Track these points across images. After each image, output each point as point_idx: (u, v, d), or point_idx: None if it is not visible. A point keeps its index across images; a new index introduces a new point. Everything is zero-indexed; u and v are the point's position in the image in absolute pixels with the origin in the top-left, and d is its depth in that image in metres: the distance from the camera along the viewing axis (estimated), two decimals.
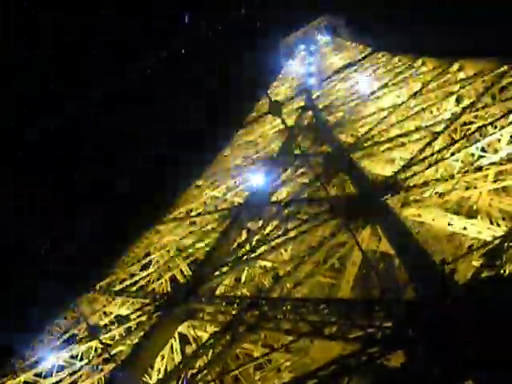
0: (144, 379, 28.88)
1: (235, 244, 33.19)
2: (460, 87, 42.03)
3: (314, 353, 22.67)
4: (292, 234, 33.69)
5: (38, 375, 33.62)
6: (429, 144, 32.08)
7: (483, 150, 30.98)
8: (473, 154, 30.62)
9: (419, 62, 53.94)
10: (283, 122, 31.37)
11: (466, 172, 27.52)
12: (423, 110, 42.55)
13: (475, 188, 28.46)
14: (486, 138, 30.86)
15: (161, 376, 29.74)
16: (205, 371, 24.32)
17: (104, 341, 33.49)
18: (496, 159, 28.54)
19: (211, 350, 25.35)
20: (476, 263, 31.28)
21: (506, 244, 20.12)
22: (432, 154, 30.86)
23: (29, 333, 39.40)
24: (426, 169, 29.34)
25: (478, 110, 34.01)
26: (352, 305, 20.27)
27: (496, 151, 29.97)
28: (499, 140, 31.38)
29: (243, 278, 36.21)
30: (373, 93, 52.14)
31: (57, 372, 32.99)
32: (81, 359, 34.09)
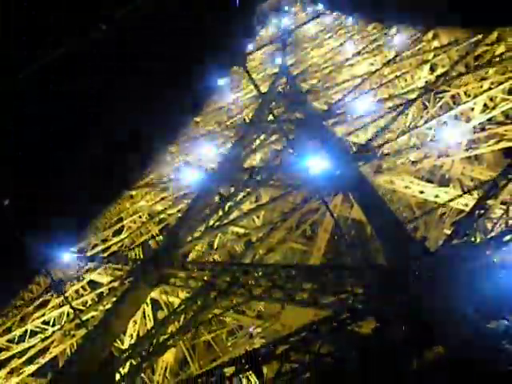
0: (116, 344, 28.80)
1: (207, 210, 33.01)
2: (434, 55, 41.98)
3: (286, 319, 22.75)
4: (264, 200, 33.72)
5: (11, 341, 33.47)
6: (402, 112, 32.06)
7: (456, 118, 30.98)
8: (445, 123, 30.58)
9: (393, 29, 53.72)
10: (256, 87, 31.07)
11: (439, 140, 27.58)
12: (397, 77, 42.57)
13: (447, 156, 28.55)
14: (459, 107, 30.91)
15: (133, 341, 29.73)
16: (176, 336, 24.30)
17: (76, 306, 33.38)
18: (469, 128, 28.60)
19: (183, 316, 25.28)
20: (447, 231, 31.58)
21: (476, 212, 20.18)
22: (405, 122, 30.91)
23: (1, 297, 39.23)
24: (399, 137, 29.36)
25: (451, 78, 33.95)
26: (323, 271, 20.25)
27: (468, 120, 29.96)
28: (472, 109, 31.42)
29: (215, 244, 36.15)
30: (347, 60, 51.97)
31: (29, 338, 32.83)
32: (53, 325, 33.94)
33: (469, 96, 32.21)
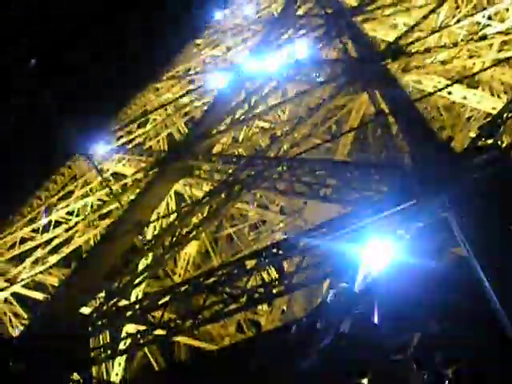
0: (139, 237, 29.16)
1: (233, 103, 32.89)
2: None
3: (308, 214, 22.91)
4: (290, 94, 33.47)
5: (35, 230, 33.95)
6: (433, 11, 31.41)
7: (489, 18, 30.32)
8: (478, 23, 29.99)
9: None
10: None
11: (471, 40, 27.09)
12: None
13: (478, 57, 28.09)
14: (494, 7, 30.23)
15: (156, 232, 30.01)
16: (200, 228, 24.57)
17: (100, 197, 33.70)
18: (502, 29, 28.03)
19: (206, 208, 25.51)
20: (473, 133, 31.34)
21: (504, 115, 19.97)
22: (436, 21, 30.35)
23: (22, 191, 39.67)
24: (430, 35, 28.88)
25: None
26: (348, 168, 20.26)
27: (502, 21, 29.34)
28: (507, 9, 30.71)
29: (240, 138, 36.12)
30: None
31: (53, 228, 33.22)
32: (77, 215, 34.32)
33: None
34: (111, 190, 31.88)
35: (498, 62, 29.62)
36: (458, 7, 34.51)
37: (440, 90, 26.69)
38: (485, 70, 30.52)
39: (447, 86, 26.60)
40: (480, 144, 18.31)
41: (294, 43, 38.43)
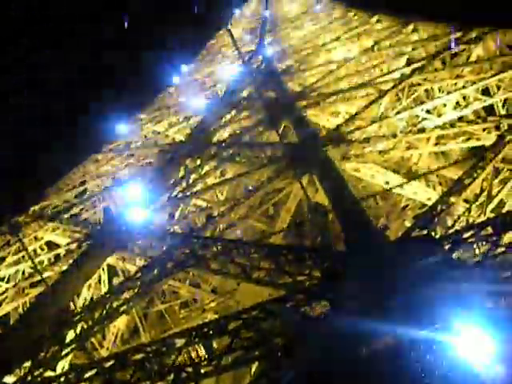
0: (68, 307, 28.64)
1: (171, 180, 32.90)
2: (412, 48, 42.13)
3: (240, 296, 22.79)
4: (229, 175, 33.65)
5: None
6: (375, 101, 32.13)
7: (428, 112, 31.07)
8: (417, 116, 30.68)
9: (375, 18, 53.75)
10: (233, 62, 30.93)
11: (409, 132, 27.67)
12: (373, 66, 42.59)
13: (416, 149, 28.68)
14: (432, 101, 31.03)
15: (86, 304, 29.54)
16: (130, 303, 24.22)
17: (32, 265, 33.16)
18: (439, 123, 28.71)
19: (138, 284, 25.22)
20: (408, 223, 31.73)
21: (438, 207, 20.32)
22: (377, 112, 30.96)
23: None
24: (370, 125, 29.42)
25: (427, 72, 34.07)
26: (282, 251, 20.22)
27: (440, 115, 30.08)
28: (445, 105, 31.52)
29: (176, 215, 36.02)
30: (325, 44, 51.95)
31: None
32: (7, 282, 33.64)
33: (442, 92, 32.31)
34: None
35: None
36: (398, 99, 35.26)
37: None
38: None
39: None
40: (414, 234, 18.53)
41: (236, 124, 38.89)
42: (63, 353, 22.35)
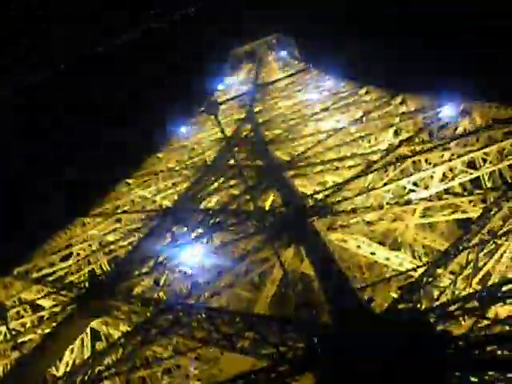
0: (50, 370, 28.39)
1: (158, 246, 32.87)
2: (400, 120, 42.56)
3: (224, 364, 22.55)
4: (215, 243, 33.61)
5: None
6: (362, 172, 32.33)
7: (415, 184, 31.29)
8: (404, 187, 30.86)
9: (364, 90, 54.41)
10: (221, 130, 31.07)
11: (396, 204, 27.79)
12: (361, 137, 42.96)
13: (402, 221, 28.76)
14: (419, 173, 31.24)
15: (68, 369, 29.28)
16: (113, 369, 24.01)
17: (15, 327, 32.86)
18: (426, 195, 28.89)
19: (121, 349, 25.01)
20: (394, 294, 31.67)
21: (424, 279, 20.30)
22: (364, 183, 31.13)
23: None
24: (357, 196, 29.55)
25: (414, 144, 34.39)
26: (267, 322, 20.14)
27: (427, 187, 30.27)
28: (431, 177, 31.73)
29: (162, 282, 35.88)
30: (314, 114, 52.39)
31: None
32: None
33: (429, 164, 32.53)
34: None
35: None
36: (386, 170, 35.51)
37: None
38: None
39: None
40: (400, 307, 18.48)
41: (224, 192, 39.00)
42: None
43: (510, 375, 13.12)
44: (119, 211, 46.71)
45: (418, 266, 25.96)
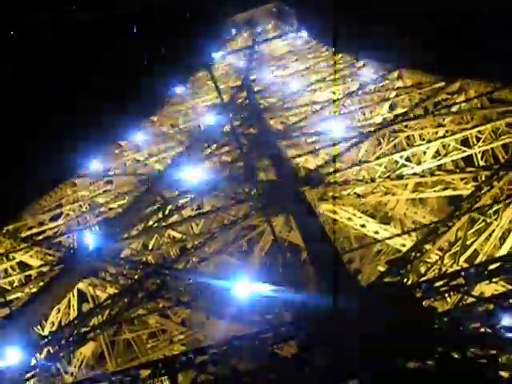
0: (36, 329, 28.41)
1: (148, 210, 32.82)
2: (396, 95, 42.45)
3: (209, 329, 22.60)
4: (206, 209, 33.58)
5: None
6: (355, 145, 32.30)
7: (407, 159, 31.30)
8: (397, 162, 30.87)
9: (361, 63, 54.17)
10: (219, 93, 30.97)
11: (388, 178, 27.79)
12: (356, 110, 42.86)
13: (393, 195, 28.78)
14: (412, 149, 31.26)
15: (53, 329, 29.35)
16: (98, 330, 24.06)
17: (2, 285, 32.87)
18: (418, 170, 28.89)
19: (107, 311, 25.03)
20: (381, 267, 31.81)
21: (412, 254, 20.37)
22: (357, 155, 31.12)
23: None
24: (349, 168, 29.54)
25: (409, 119, 34.33)
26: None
27: (420, 163, 30.29)
28: (424, 152, 31.76)
29: (150, 245, 35.92)
30: (310, 85, 52.18)
31: None
32: None
33: (423, 140, 32.59)
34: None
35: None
36: (379, 144, 35.47)
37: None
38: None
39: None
40: (386, 280, 18.54)
41: (216, 158, 38.89)
42: (26, 376, 22.10)
43: (492, 352, 13.18)
44: (111, 173, 46.55)
45: (407, 241, 26.06)
